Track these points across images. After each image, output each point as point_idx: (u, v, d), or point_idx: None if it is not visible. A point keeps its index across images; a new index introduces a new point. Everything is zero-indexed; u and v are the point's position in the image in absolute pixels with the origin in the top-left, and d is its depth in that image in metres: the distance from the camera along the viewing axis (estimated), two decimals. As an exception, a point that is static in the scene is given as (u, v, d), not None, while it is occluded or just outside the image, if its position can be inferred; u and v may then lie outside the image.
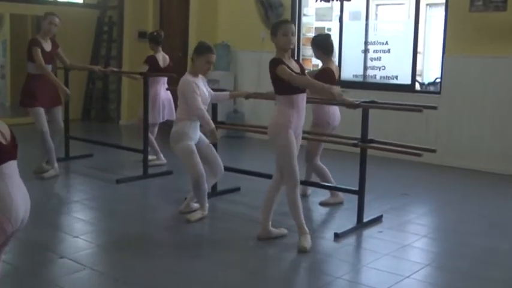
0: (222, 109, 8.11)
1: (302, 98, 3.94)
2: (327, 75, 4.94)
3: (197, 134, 4.64)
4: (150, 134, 6.58)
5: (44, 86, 5.88)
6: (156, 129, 6.74)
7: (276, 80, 3.89)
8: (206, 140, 4.73)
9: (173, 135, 4.57)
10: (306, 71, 4.27)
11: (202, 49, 4.49)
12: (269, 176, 5.11)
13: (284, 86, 3.87)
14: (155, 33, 6.64)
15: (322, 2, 8.23)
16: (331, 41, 5.10)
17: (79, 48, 10.05)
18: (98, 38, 10.55)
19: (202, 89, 4.50)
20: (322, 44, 5.04)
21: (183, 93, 4.44)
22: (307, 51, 8.59)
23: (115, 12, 10.29)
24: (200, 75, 4.59)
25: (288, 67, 3.85)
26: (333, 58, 5.13)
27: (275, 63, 3.83)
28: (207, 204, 4.71)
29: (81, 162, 6.84)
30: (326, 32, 8.27)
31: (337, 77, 5.10)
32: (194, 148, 4.54)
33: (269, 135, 3.99)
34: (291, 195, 3.95)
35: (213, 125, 4.43)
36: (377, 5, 11.45)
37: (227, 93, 4.94)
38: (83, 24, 10.28)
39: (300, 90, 3.91)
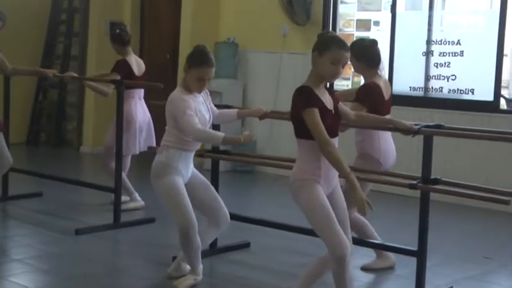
0: (226, 133, 8.14)
1: (333, 142, 3.89)
2: (370, 92, 4.99)
3: (189, 169, 4.70)
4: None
5: None
6: (129, 161, 6.82)
7: (297, 119, 3.92)
8: (201, 177, 4.80)
9: (155, 167, 4.64)
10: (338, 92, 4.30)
11: (194, 59, 4.56)
12: (291, 228, 5.15)
13: (307, 128, 3.88)
14: (118, 31, 6.72)
15: (368, -16, 8.35)
16: (377, 49, 5.18)
17: (25, 45, 10.21)
18: (53, 30, 10.75)
19: (199, 109, 4.57)
20: (365, 52, 5.10)
21: (171, 114, 4.53)
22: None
23: (78, -6, 10.50)
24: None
25: (318, 100, 3.89)
26: (380, 71, 5.20)
27: (304, 99, 3.83)
28: (201, 266, 4.75)
29: (26, 204, 6.91)
30: (372, 27, 8.37)
31: (387, 96, 5.14)
32: (182, 186, 4.61)
33: (292, 197, 3.99)
34: (337, 269, 3.88)
35: (222, 136, 4.44)
36: (445, -12, 11.55)
37: (234, 111, 5.01)
38: (32, 11, 10.49)
39: (331, 134, 3.87)
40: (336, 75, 3.90)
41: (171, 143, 4.57)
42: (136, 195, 6.81)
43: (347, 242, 3.84)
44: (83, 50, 10.26)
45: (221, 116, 4.90)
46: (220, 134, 4.46)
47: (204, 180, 4.81)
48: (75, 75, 7.22)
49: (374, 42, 5.21)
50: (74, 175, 8.07)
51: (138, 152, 6.70)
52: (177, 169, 4.57)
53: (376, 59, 5.12)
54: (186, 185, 4.66)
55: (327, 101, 3.93)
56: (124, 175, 6.64)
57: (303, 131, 3.90)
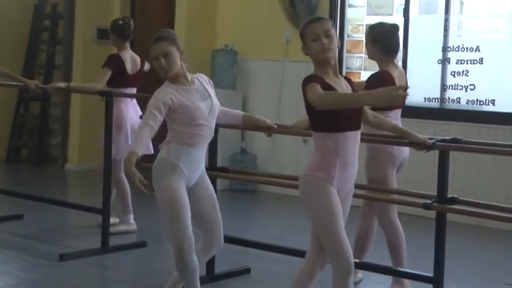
0: (224, 148, 8.22)
1: (353, 137, 3.97)
2: (383, 81, 4.98)
3: (196, 169, 4.60)
4: (121, 179, 6.73)
5: None
6: (121, 166, 6.78)
7: (311, 108, 3.95)
8: (210, 187, 4.72)
9: (156, 164, 4.55)
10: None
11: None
12: (296, 253, 5.15)
13: (324, 117, 3.93)
14: (120, 22, 6.82)
15: (378, -15, 8.39)
16: (397, 35, 5.20)
17: (4, 53, 10.20)
18: (35, 37, 10.79)
19: (192, 99, 4.52)
20: (383, 36, 5.11)
21: None
22: (354, 61, 8.71)
23: (62, -1, 10.54)
24: (197, 80, 4.65)
25: (328, 86, 3.91)
26: (396, 61, 5.21)
27: (306, 83, 3.90)
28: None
29: (4, 228, 6.90)
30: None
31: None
32: (182, 191, 4.50)
33: (300, 193, 4.04)
34: (340, 285, 3.96)
35: (135, 151, 4.26)
36: (463, -9, 11.58)
37: (240, 113, 4.97)
38: (11, 17, 10.53)
39: (351, 125, 3.95)
40: (323, 49, 3.92)
41: (171, 137, 4.53)
42: (131, 217, 6.81)
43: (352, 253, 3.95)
44: (68, 58, 10.28)
45: (225, 114, 4.87)
46: (136, 149, 4.26)
47: (211, 189, 4.72)
48: (61, 85, 7.06)
49: (394, 27, 5.22)
50: (58, 195, 8.04)
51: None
52: (178, 168, 4.46)
53: (393, 46, 5.11)
54: (190, 188, 4.56)
55: (342, 87, 3.97)
56: (128, 189, 6.70)
57: (318, 122, 3.95)
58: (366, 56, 8.23)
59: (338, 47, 4.01)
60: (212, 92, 4.65)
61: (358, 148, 4.02)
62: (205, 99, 4.57)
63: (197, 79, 4.61)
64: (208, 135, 4.59)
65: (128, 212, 6.81)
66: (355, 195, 4.78)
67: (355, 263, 5.08)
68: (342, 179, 3.95)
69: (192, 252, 4.51)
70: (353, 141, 3.96)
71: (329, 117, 3.89)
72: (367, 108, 4.31)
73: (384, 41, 5.10)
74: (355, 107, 3.93)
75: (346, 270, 3.92)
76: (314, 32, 3.94)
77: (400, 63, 5.32)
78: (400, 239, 5.18)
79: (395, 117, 5.11)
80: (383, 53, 5.11)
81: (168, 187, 4.47)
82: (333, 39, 3.95)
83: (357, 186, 4.90)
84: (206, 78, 4.71)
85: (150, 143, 6.71)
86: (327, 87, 3.87)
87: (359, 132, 4.02)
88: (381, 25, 5.31)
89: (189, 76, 4.58)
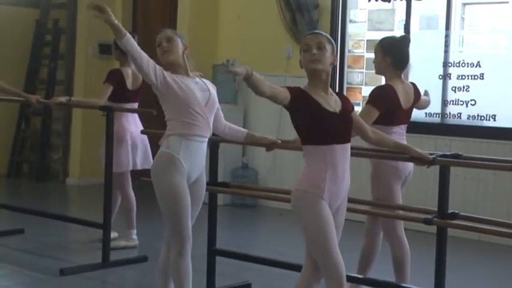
0: (226, 163, 8.23)
1: (342, 150, 3.98)
2: (384, 95, 4.98)
3: (195, 164, 4.59)
4: (128, 194, 6.75)
5: None
6: (128, 181, 6.83)
7: (294, 121, 3.99)
8: (202, 194, 4.72)
9: (156, 160, 4.59)
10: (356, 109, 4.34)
11: None
12: (297, 267, 5.16)
13: (308, 130, 3.96)
14: None
15: (379, 1, 8.40)
16: (407, 48, 5.18)
17: (6, 68, 10.25)
18: (37, 52, 10.84)
19: (186, 84, 4.57)
20: (394, 46, 5.09)
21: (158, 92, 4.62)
22: (355, 76, 8.72)
23: (63, 14, 10.60)
24: (198, 78, 4.70)
25: (313, 100, 3.94)
26: (404, 78, 5.18)
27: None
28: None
29: (5, 242, 6.91)
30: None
31: (406, 105, 5.09)
32: (184, 189, 4.50)
33: (292, 207, 4.06)
34: None
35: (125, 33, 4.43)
36: (464, 5, 11.47)
37: (244, 131, 5.01)
38: (14, 32, 10.58)
39: (337, 137, 3.97)
40: (312, 59, 3.96)
41: (169, 129, 4.56)
42: (134, 232, 6.82)
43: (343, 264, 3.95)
44: (69, 74, 10.32)
45: (229, 130, 4.91)
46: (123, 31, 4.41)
47: (204, 190, 4.75)
48: (63, 100, 6.99)
49: (405, 38, 5.22)
50: (59, 210, 8.06)
51: (131, 168, 6.73)
52: (179, 162, 4.46)
53: (403, 57, 5.08)
54: (189, 186, 4.55)
55: (329, 102, 3.98)
56: (134, 206, 6.74)
57: (303, 135, 3.99)
58: (367, 71, 8.37)
59: (332, 63, 4.02)
60: (213, 91, 4.72)
61: (348, 161, 4.02)
62: (203, 91, 4.65)
63: (200, 78, 4.70)
64: (205, 128, 4.60)
65: (131, 228, 6.82)
66: (359, 211, 4.82)
67: (359, 278, 5.13)
68: (333, 192, 3.96)
69: (189, 251, 4.52)
70: (342, 154, 3.97)
71: (313, 130, 3.94)
72: (366, 125, 4.32)
73: (395, 52, 5.06)
74: (341, 130, 3.99)
75: (339, 284, 3.92)
76: (306, 43, 4.00)
77: (407, 81, 5.27)
78: (406, 255, 5.16)
79: (400, 133, 5.07)
80: (392, 64, 5.07)
81: (169, 184, 4.47)
82: (326, 52, 3.97)
83: (360, 201, 4.94)
84: (211, 84, 4.79)
85: (150, 156, 6.75)
86: (311, 101, 3.93)
87: (348, 145, 4.02)
88: (392, 37, 5.34)
89: (192, 74, 4.67)
